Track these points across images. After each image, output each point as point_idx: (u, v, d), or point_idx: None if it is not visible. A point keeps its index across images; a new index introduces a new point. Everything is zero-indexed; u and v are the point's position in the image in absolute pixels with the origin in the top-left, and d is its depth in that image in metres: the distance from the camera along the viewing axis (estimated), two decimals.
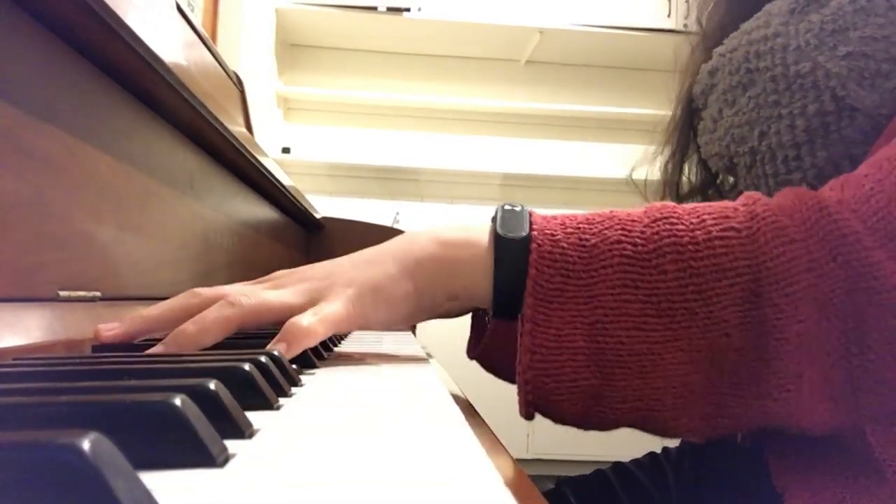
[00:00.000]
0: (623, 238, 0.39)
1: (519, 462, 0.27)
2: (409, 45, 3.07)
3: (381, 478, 0.19)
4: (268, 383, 0.31)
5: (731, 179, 0.71)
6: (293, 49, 3.10)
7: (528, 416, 0.40)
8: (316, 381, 0.39)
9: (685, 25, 2.80)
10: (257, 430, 0.25)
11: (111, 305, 0.52)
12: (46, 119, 0.43)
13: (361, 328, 0.45)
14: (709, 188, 0.70)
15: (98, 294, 0.49)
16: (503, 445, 0.34)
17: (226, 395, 0.24)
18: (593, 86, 3.19)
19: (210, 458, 0.20)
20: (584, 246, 0.39)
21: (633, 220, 0.40)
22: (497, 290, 0.42)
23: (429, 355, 0.59)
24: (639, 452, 0.73)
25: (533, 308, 0.38)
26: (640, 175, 0.75)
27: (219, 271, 0.82)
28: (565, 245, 0.39)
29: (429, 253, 0.44)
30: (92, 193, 0.49)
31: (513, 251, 0.41)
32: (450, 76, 3.18)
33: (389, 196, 3.16)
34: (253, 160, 0.84)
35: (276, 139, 2.88)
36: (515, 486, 0.18)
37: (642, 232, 0.39)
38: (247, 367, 0.30)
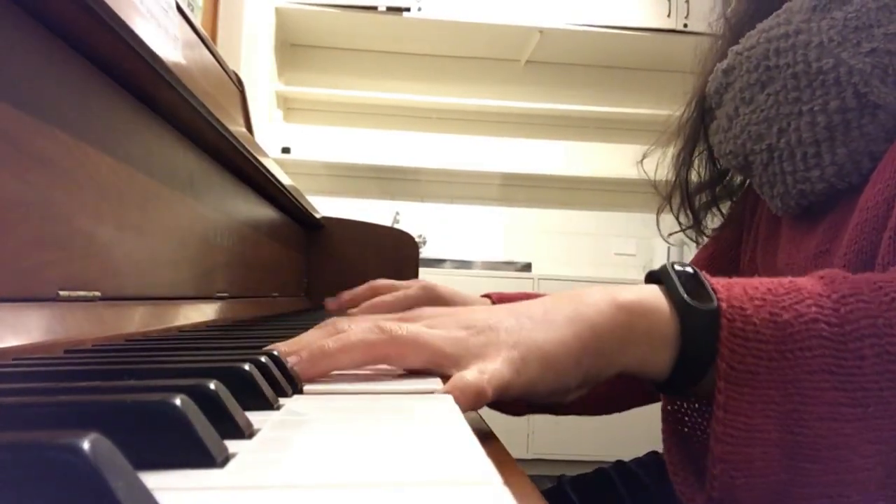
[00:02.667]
0: (818, 316, 0.35)
1: (519, 462, 0.27)
2: (409, 45, 3.07)
3: (381, 477, 0.19)
4: (268, 383, 0.31)
5: (739, 179, 0.71)
6: (293, 49, 3.10)
7: None
8: (315, 381, 0.39)
9: (685, 25, 2.81)
10: (257, 430, 0.25)
11: (111, 305, 0.52)
12: (46, 119, 0.43)
13: (524, 396, 0.37)
14: (717, 184, 0.70)
15: (98, 294, 0.49)
16: (503, 445, 0.34)
17: (226, 395, 0.24)
18: (593, 86, 3.19)
19: (210, 458, 0.20)
20: (775, 322, 0.35)
21: (820, 294, 0.36)
22: (678, 367, 0.38)
23: None
24: (639, 451, 0.73)
25: (725, 393, 0.35)
26: (633, 175, 0.76)
27: (219, 271, 0.82)
28: (757, 321, 0.35)
29: (605, 318, 0.38)
30: (92, 193, 0.49)
31: (700, 325, 0.36)
32: (450, 76, 3.18)
33: (389, 196, 3.16)
34: (253, 160, 0.84)
35: (276, 139, 2.88)
36: (515, 486, 0.18)
37: (835, 309, 0.35)
38: (247, 367, 0.30)
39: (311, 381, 0.37)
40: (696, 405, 0.43)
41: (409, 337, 0.37)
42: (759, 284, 0.38)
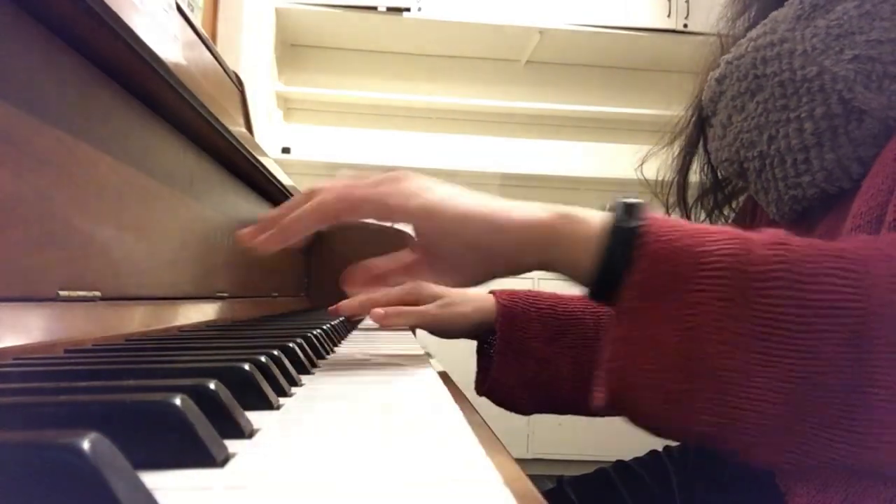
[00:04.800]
0: (738, 252, 0.38)
1: (519, 462, 0.27)
2: (409, 45, 3.07)
3: (381, 478, 0.19)
4: (268, 383, 0.31)
5: (740, 184, 0.71)
6: (293, 49, 3.10)
7: (607, 407, 0.40)
8: (316, 381, 0.39)
9: (685, 25, 2.81)
10: (257, 430, 0.25)
11: (111, 305, 0.52)
12: (46, 119, 0.43)
13: (441, 239, 0.47)
14: (717, 191, 0.71)
15: (98, 294, 0.49)
16: (503, 445, 0.34)
17: (226, 395, 0.24)
18: (593, 86, 3.19)
19: (210, 458, 0.20)
20: (691, 251, 0.38)
21: (749, 239, 0.39)
22: (598, 272, 0.41)
23: (428, 355, 0.60)
24: (640, 451, 0.73)
25: (631, 301, 0.38)
26: (642, 169, 0.76)
27: (219, 271, 0.82)
28: (673, 246, 0.38)
29: (536, 216, 0.44)
30: (92, 193, 0.49)
31: (621, 238, 0.40)
32: (450, 76, 3.17)
33: None
34: (253, 160, 0.84)
35: (276, 139, 2.88)
36: (515, 486, 0.18)
37: (755, 252, 0.38)
38: (247, 367, 0.30)
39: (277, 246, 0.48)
40: None
41: (343, 196, 0.47)
42: (699, 225, 0.41)
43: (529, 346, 0.73)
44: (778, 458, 0.38)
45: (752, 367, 0.36)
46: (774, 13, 0.57)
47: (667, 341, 0.37)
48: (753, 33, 0.57)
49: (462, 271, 0.48)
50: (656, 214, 0.41)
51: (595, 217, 0.43)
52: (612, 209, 0.42)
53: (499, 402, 0.75)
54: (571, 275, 0.44)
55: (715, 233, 0.39)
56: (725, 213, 0.73)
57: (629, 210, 0.41)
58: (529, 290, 0.79)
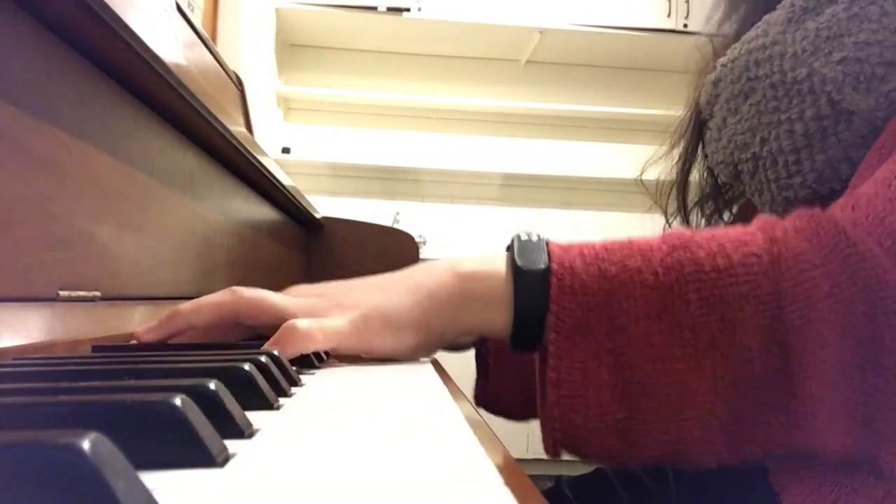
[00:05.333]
0: (644, 268, 0.38)
1: (519, 462, 0.27)
2: (409, 45, 3.06)
3: (381, 477, 0.19)
4: (268, 383, 0.31)
5: (739, 187, 0.71)
6: (293, 49, 3.10)
7: (556, 453, 0.39)
8: (316, 381, 0.39)
9: (685, 25, 2.81)
10: (257, 430, 0.25)
11: (111, 305, 0.52)
12: (46, 119, 0.43)
13: (364, 353, 0.44)
14: (718, 195, 0.71)
15: (98, 294, 0.49)
16: (503, 445, 0.34)
17: (226, 395, 0.24)
18: (593, 86, 3.19)
19: (210, 458, 0.20)
20: (604, 277, 0.38)
21: (653, 249, 0.39)
22: (517, 323, 0.41)
23: None
24: None
25: (556, 343, 0.38)
26: (643, 177, 0.76)
27: (219, 271, 0.82)
28: (585, 277, 0.38)
29: (444, 285, 0.43)
30: (92, 193, 0.49)
31: (532, 284, 0.40)
32: (450, 76, 3.17)
33: (389, 196, 3.16)
34: (253, 160, 0.84)
35: (276, 139, 2.88)
36: (515, 486, 0.18)
37: (662, 261, 0.38)
38: (247, 367, 0.30)
39: (166, 338, 0.45)
40: None
41: (257, 297, 0.44)
42: (597, 246, 0.40)
43: (525, 359, 0.73)
44: (720, 454, 0.38)
45: (685, 377, 0.36)
46: (767, 16, 0.57)
47: (599, 374, 0.37)
48: (747, 36, 0.58)
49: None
50: (558, 246, 0.41)
51: (498, 267, 0.42)
52: (512, 252, 0.42)
53: (494, 413, 0.75)
54: (489, 332, 0.43)
55: (617, 251, 0.39)
56: (725, 217, 0.73)
57: (531, 249, 0.41)
58: None
